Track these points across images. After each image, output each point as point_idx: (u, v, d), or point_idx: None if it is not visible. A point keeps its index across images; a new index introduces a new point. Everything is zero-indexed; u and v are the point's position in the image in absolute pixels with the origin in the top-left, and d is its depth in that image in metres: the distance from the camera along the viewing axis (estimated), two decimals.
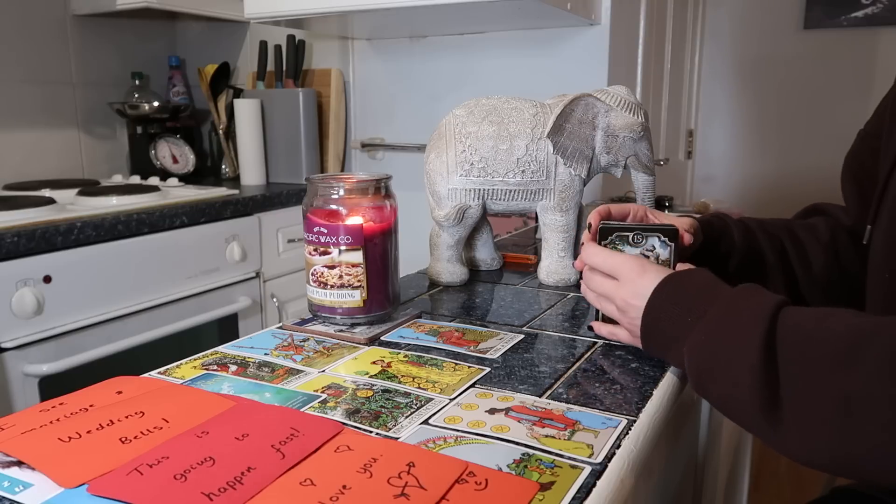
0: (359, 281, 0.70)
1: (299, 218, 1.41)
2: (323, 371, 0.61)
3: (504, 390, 0.57)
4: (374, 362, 0.63)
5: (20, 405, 1.17)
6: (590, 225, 0.71)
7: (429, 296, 0.87)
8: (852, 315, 0.50)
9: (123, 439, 0.46)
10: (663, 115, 2.14)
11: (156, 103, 1.90)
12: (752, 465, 1.35)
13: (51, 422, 0.48)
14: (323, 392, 0.56)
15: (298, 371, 0.61)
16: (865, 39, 2.34)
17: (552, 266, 0.90)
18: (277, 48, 1.87)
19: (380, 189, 0.72)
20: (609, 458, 0.46)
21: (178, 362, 0.63)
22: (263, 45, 1.91)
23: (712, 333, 0.55)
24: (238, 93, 1.97)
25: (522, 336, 0.71)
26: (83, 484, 0.41)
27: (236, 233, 1.55)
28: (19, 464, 0.43)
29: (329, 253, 0.70)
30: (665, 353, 0.60)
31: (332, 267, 0.70)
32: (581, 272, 0.70)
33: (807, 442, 0.48)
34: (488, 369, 0.62)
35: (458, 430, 0.49)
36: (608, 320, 0.68)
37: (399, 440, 0.48)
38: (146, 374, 0.60)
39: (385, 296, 0.73)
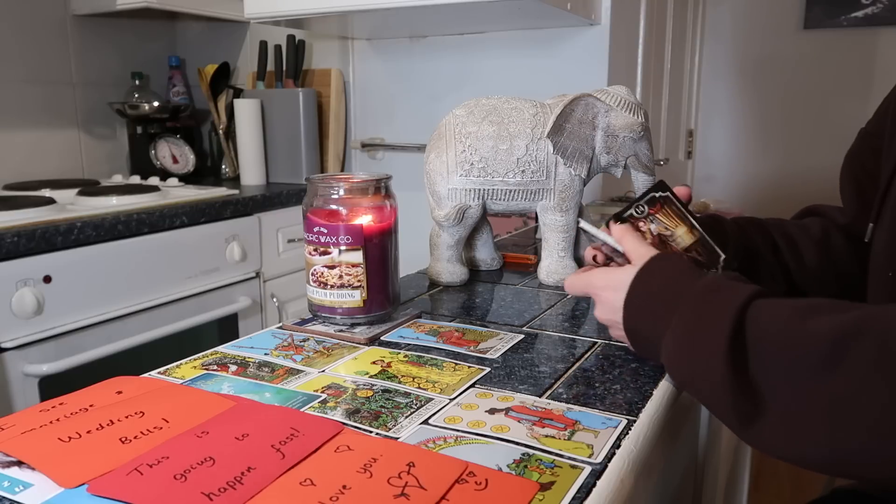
0: (359, 281, 0.70)
1: (299, 218, 1.41)
2: (323, 371, 0.61)
3: (504, 390, 0.57)
4: (374, 362, 0.63)
5: (20, 405, 1.17)
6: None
7: (429, 296, 0.87)
8: (831, 307, 0.48)
9: (123, 439, 0.46)
10: (663, 115, 2.14)
11: (156, 103, 1.90)
12: (752, 465, 1.35)
13: (51, 422, 0.48)
14: (323, 392, 0.56)
15: (298, 371, 0.61)
16: (865, 39, 2.34)
17: (552, 266, 0.90)
18: (277, 48, 1.87)
19: (380, 189, 0.72)
20: (609, 458, 0.46)
21: (178, 362, 0.63)
22: (263, 45, 1.91)
23: (680, 344, 0.54)
24: (238, 93, 1.97)
25: (522, 336, 0.71)
26: (83, 484, 0.41)
27: (236, 233, 1.55)
28: (19, 464, 0.43)
29: (329, 253, 0.70)
30: (657, 359, 0.60)
31: (332, 267, 0.70)
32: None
33: (794, 446, 0.47)
34: (488, 369, 0.62)
35: (458, 430, 0.49)
36: None
37: (399, 440, 0.48)
38: (146, 374, 0.60)
39: (385, 296, 0.73)
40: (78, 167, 1.91)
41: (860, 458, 0.45)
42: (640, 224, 0.69)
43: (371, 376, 0.60)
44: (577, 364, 0.63)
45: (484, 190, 0.86)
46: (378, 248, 0.71)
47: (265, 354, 0.66)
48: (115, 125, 1.99)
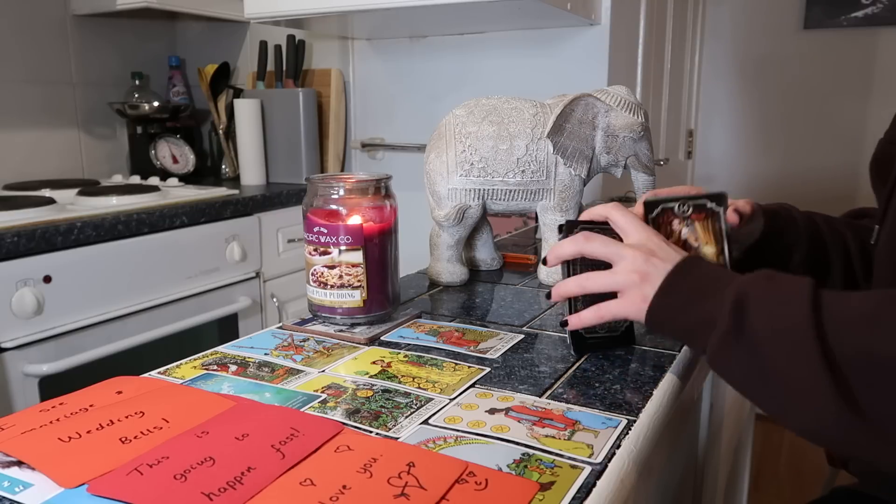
0: (359, 281, 0.70)
1: (299, 218, 1.41)
2: (323, 371, 0.61)
3: (504, 390, 0.57)
4: (374, 362, 0.63)
5: (20, 405, 1.17)
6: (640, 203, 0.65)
7: (429, 296, 0.87)
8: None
9: (123, 439, 0.46)
10: (663, 115, 2.14)
11: (156, 103, 1.90)
12: (752, 465, 1.35)
13: (51, 422, 0.48)
14: (323, 392, 0.56)
15: (298, 371, 0.61)
16: (865, 39, 2.34)
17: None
18: (277, 48, 1.87)
19: (380, 189, 0.72)
20: (609, 458, 0.46)
21: (178, 362, 0.63)
22: (263, 45, 1.91)
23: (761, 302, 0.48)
24: (238, 93, 1.97)
25: (522, 336, 0.71)
26: (83, 484, 0.41)
27: (236, 233, 1.55)
28: (19, 464, 0.43)
29: (329, 253, 0.70)
30: (677, 329, 0.55)
31: (332, 267, 0.70)
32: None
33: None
34: (488, 369, 0.62)
35: (458, 430, 0.49)
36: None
37: (399, 440, 0.48)
38: (146, 374, 0.60)
39: (385, 296, 0.73)
40: (78, 167, 1.91)
41: None
42: (675, 221, 0.64)
43: (371, 376, 0.60)
44: (578, 364, 0.63)
45: (484, 190, 0.86)
46: (378, 248, 0.71)
47: (265, 354, 0.66)
48: (115, 125, 1.99)
